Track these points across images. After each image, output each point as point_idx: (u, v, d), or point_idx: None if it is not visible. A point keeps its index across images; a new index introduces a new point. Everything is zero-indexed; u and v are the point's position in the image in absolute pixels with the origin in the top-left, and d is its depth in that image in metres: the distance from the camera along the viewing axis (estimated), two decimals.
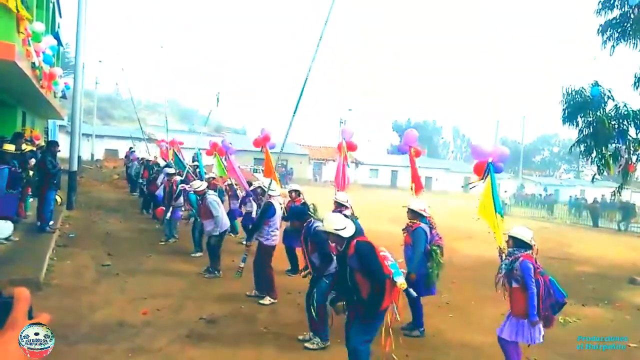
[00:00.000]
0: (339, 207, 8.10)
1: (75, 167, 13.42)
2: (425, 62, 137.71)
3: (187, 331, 5.63)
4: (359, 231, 7.21)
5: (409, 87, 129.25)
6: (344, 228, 4.45)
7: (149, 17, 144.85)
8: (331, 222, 4.53)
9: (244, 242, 7.40)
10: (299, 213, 6.14)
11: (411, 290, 5.10)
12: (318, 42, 6.98)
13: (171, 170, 11.97)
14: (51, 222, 9.81)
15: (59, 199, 10.60)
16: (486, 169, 5.70)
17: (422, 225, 6.20)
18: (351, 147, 9.79)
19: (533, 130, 77.36)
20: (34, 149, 10.54)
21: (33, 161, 9.48)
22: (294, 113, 7.29)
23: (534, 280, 4.61)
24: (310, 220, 5.81)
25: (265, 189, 7.64)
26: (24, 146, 8.66)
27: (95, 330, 5.34)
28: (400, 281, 4.47)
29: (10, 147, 8.00)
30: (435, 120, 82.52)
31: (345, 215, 7.84)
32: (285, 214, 8.89)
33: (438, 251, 6.26)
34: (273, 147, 10.70)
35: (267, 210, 7.22)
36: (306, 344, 5.46)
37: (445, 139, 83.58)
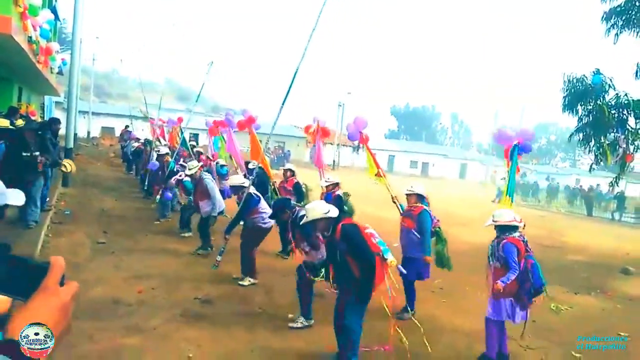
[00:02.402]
0: (334, 186, 8.14)
1: (71, 144, 13.33)
2: (425, 47, 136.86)
3: (182, 310, 5.65)
4: (346, 213, 7.31)
5: (408, 72, 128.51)
6: (328, 211, 4.62)
7: None
8: (315, 210, 4.69)
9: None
10: (281, 206, 6.03)
11: (401, 267, 5.17)
12: (314, 27, 6.96)
13: (164, 150, 11.92)
14: (47, 200, 9.76)
15: (69, 167, 10.33)
16: (512, 151, 5.82)
17: (426, 207, 6.25)
18: (325, 133, 10.04)
19: (532, 118, 77.13)
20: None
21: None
22: (285, 97, 7.34)
23: (517, 261, 4.71)
24: (296, 210, 5.80)
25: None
26: (18, 122, 8.42)
27: (90, 308, 5.34)
28: (390, 258, 4.56)
29: (4, 122, 7.89)
30: (435, 106, 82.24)
31: (337, 197, 7.91)
32: (277, 195, 8.92)
33: (440, 231, 6.40)
34: (258, 128, 10.65)
35: (250, 201, 7.17)
36: (290, 324, 5.54)
37: (444, 124, 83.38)
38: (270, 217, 6.57)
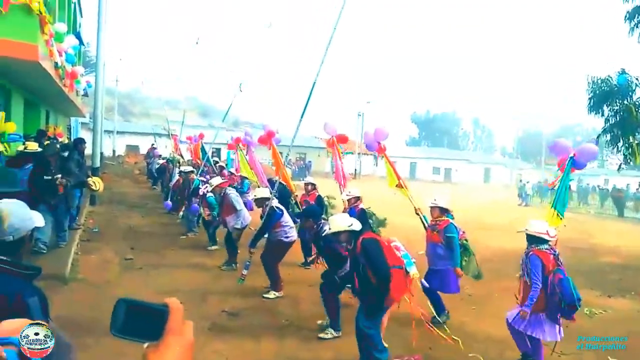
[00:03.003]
0: (357, 199, 8.09)
1: (98, 164, 13.64)
2: (442, 53, 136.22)
3: (210, 324, 5.69)
4: (371, 227, 7.30)
5: (427, 79, 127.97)
6: (351, 224, 4.71)
7: (168, 14, 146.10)
8: (338, 222, 4.79)
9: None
10: (311, 213, 6.13)
11: (423, 281, 5.15)
12: (330, 36, 7.00)
13: (188, 168, 12.14)
14: (76, 219, 9.99)
15: (97, 184, 10.45)
16: (566, 164, 5.60)
17: (452, 221, 6.20)
18: (342, 139, 9.83)
19: (555, 120, 75.82)
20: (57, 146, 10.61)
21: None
22: (304, 109, 7.35)
23: (540, 276, 4.61)
24: (321, 222, 5.85)
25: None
26: (33, 145, 8.64)
27: None
28: (413, 271, 4.57)
29: (33, 146, 8.14)
30: (455, 112, 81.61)
31: (361, 210, 7.87)
32: (300, 208, 8.93)
33: (467, 243, 6.32)
34: (279, 142, 10.68)
35: (273, 215, 7.18)
36: (320, 334, 5.54)
37: (465, 130, 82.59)
38: (297, 215, 6.57)
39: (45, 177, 7.59)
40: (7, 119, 10.39)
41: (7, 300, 1.94)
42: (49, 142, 10.21)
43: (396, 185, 7.72)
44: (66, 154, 9.07)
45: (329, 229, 4.81)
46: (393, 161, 8.16)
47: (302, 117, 7.46)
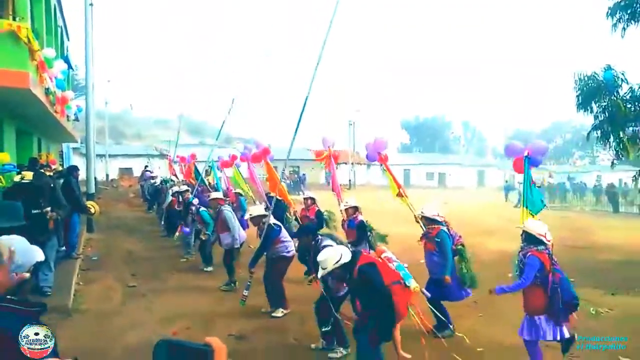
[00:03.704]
0: (355, 210, 8.05)
1: (92, 190, 13.55)
2: (427, 56, 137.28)
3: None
4: (365, 241, 7.26)
5: (414, 84, 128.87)
6: (340, 257, 4.50)
7: (153, 30, 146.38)
8: (327, 260, 4.54)
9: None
10: (304, 231, 6.07)
11: (424, 290, 5.12)
12: (321, 50, 7.04)
13: (183, 187, 12.08)
14: (76, 247, 9.89)
15: (93, 208, 10.24)
16: (523, 164, 5.79)
17: (443, 228, 6.18)
18: (336, 157, 9.97)
19: (545, 118, 76.53)
20: (51, 174, 10.52)
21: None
22: (297, 125, 7.34)
23: (534, 276, 4.62)
24: (319, 239, 5.77)
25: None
26: (27, 175, 8.26)
27: (126, 354, 5.35)
28: (413, 284, 4.53)
29: (30, 176, 7.91)
30: (445, 115, 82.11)
31: (360, 222, 7.81)
32: (299, 223, 8.89)
33: (464, 249, 6.26)
34: (272, 158, 10.67)
35: (271, 232, 7.14)
36: (330, 354, 5.48)
37: (456, 133, 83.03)
38: (293, 235, 6.52)
39: (33, 211, 6.76)
40: (0, 149, 10.33)
41: (16, 339, 1.90)
42: (42, 169, 10.10)
43: (397, 194, 7.73)
44: (61, 181, 8.97)
45: (321, 270, 4.63)
46: (382, 168, 8.24)
47: (295, 132, 7.48)
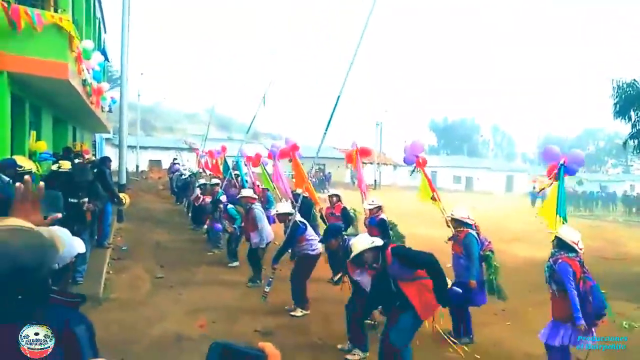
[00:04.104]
0: (378, 209, 8.01)
1: (124, 180, 13.78)
2: (459, 59, 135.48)
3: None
4: (392, 238, 7.27)
5: (443, 86, 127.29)
6: (373, 242, 4.63)
7: (185, 26, 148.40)
8: (359, 243, 4.65)
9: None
10: (331, 233, 5.87)
11: (455, 287, 5.03)
12: (355, 51, 7.00)
13: (214, 181, 12.14)
14: (108, 237, 10.09)
15: (125, 199, 10.43)
16: (558, 171, 5.69)
17: (471, 231, 6.10)
18: (365, 152, 9.83)
19: (577, 124, 74.79)
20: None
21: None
22: (328, 124, 7.31)
23: (574, 281, 4.49)
24: (345, 239, 5.72)
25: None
26: (65, 164, 8.31)
27: (154, 345, 5.42)
28: None
29: (67, 165, 8.00)
30: (474, 118, 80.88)
31: (381, 220, 7.78)
32: (325, 221, 8.85)
33: (492, 256, 6.15)
34: (301, 155, 10.58)
35: (296, 230, 7.12)
36: (347, 356, 5.45)
37: (485, 137, 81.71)
38: (320, 241, 6.50)
39: (70, 200, 6.75)
40: (38, 137, 10.59)
41: (57, 331, 1.92)
42: (79, 160, 10.30)
43: (431, 198, 7.68)
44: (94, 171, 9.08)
45: (353, 252, 4.65)
46: (418, 171, 8.11)
47: (325, 131, 7.48)
